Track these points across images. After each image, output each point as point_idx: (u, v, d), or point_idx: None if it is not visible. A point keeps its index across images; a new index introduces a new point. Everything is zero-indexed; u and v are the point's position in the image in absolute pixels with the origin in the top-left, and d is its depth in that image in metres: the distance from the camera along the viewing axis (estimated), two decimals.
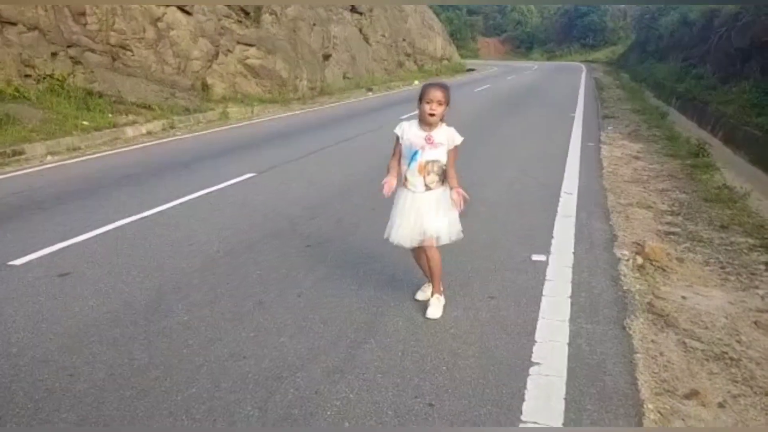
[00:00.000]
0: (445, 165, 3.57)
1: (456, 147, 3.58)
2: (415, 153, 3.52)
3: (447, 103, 3.48)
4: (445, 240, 3.65)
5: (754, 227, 5.81)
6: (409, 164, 3.56)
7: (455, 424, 2.65)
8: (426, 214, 3.57)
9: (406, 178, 3.61)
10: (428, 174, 3.54)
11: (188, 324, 3.56)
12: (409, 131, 3.57)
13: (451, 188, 3.54)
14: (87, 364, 3.10)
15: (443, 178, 3.58)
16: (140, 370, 3.04)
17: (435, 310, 3.69)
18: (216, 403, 2.77)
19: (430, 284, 3.82)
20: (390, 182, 3.55)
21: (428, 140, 3.51)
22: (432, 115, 3.45)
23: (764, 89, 12.30)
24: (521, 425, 2.65)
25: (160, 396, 2.82)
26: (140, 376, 2.98)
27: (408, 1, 35.56)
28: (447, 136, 3.55)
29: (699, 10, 23.06)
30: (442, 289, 3.78)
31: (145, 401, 2.78)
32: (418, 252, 3.79)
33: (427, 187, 3.56)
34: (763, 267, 4.79)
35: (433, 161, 3.53)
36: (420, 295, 3.90)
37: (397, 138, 3.62)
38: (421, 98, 3.49)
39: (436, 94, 3.44)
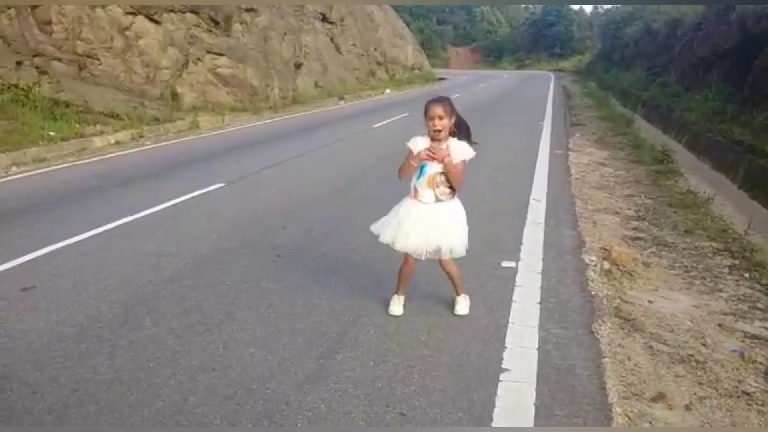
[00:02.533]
0: None
1: (464, 161, 3.58)
2: (424, 166, 3.56)
3: (450, 115, 3.50)
4: (460, 252, 3.69)
5: (718, 231, 5.95)
6: (418, 177, 3.61)
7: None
8: (440, 228, 3.61)
9: (416, 190, 3.64)
10: (437, 186, 3.58)
11: (156, 337, 3.50)
12: (421, 145, 3.58)
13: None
14: (50, 381, 3.02)
15: (453, 190, 3.63)
16: (105, 385, 2.98)
17: (463, 307, 3.84)
18: (184, 417, 2.72)
19: (398, 296, 3.86)
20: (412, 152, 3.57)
21: (429, 152, 3.54)
22: (437, 131, 3.48)
23: (726, 96, 12.63)
24: None
25: (126, 411, 2.76)
26: (105, 392, 2.92)
27: (382, 1, 35.67)
28: (457, 150, 3.54)
29: (663, 20, 23.60)
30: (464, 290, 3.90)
31: (110, 417, 2.72)
32: (412, 262, 3.78)
33: (438, 199, 3.61)
34: (726, 271, 4.91)
35: (442, 173, 3.56)
36: (396, 310, 3.84)
37: (410, 151, 3.61)
38: (426, 115, 3.53)
39: (437, 110, 3.47)
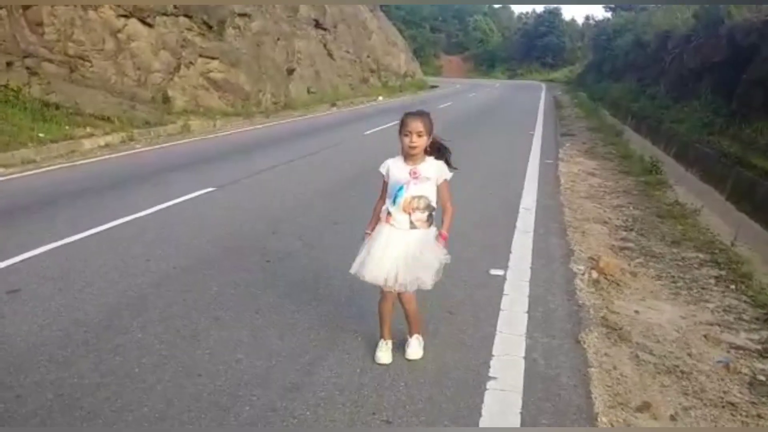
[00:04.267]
0: (432, 202, 3.24)
1: (446, 181, 3.27)
2: (400, 189, 3.20)
3: (429, 133, 3.18)
4: (427, 287, 3.25)
5: (705, 243, 6.00)
6: (394, 201, 3.22)
7: None
8: (413, 259, 3.18)
9: (389, 213, 3.25)
10: (414, 210, 3.19)
11: (142, 342, 3.48)
12: (393, 167, 3.26)
13: (438, 231, 3.26)
14: (35, 385, 3.00)
15: (430, 219, 3.25)
16: (90, 390, 2.95)
17: (416, 350, 3.39)
18: (168, 423, 2.70)
19: (386, 340, 3.40)
20: (367, 235, 3.30)
21: (413, 174, 3.20)
22: (413, 147, 3.16)
23: (714, 109, 12.74)
24: None
25: (111, 417, 2.74)
26: (90, 397, 2.90)
27: (381, 1, 35.78)
28: (435, 170, 3.24)
29: (653, 32, 23.82)
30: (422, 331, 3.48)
31: (95, 422, 2.70)
32: (391, 297, 3.34)
33: (413, 225, 3.21)
34: (713, 281, 4.94)
35: (419, 197, 3.19)
36: (383, 358, 3.34)
37: (383, 176, 3.31)
38: (401, 130, 3.19)
39: (416, 125, 3.14)
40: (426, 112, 3.29)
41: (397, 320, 3.68)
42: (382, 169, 3.32)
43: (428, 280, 3.22)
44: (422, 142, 3.17)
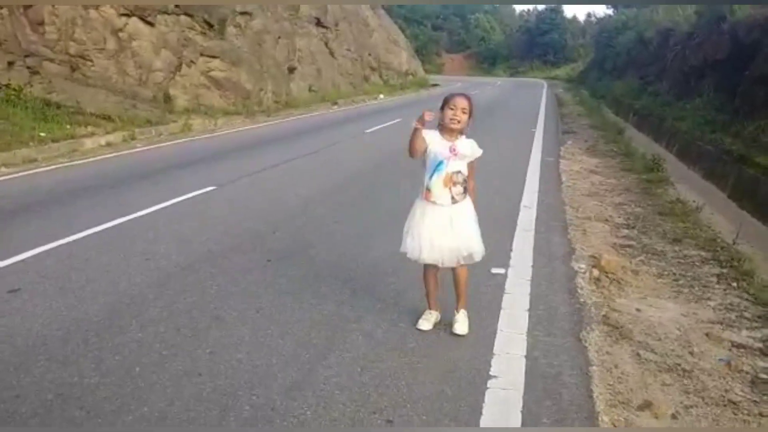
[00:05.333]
0: (466, 177, 3.49)
1: (475, 159, 3.52)
2: (440, 163, 3.41)
3: (471, 114, 3.40)
4: (480, 256, 3.57)
5: (707, 241, 5.98)
6: (432, 175, 3.44)
7: None
8: (465, 230, 3.47)
9: (428, 190, 3.46)
10: (454, 185, 3.43)
11: (142, 341, 3.48)
12: (433, 139, 3.44)
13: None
14: (34, 384, 2.99)
15: (465, 191, 3.50)
16: (90, 390, 2.95)
17: (463, 326, 3.62)
18: (169, 423, 2.70)
19: (432, 311, 3.72)
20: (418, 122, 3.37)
21: (452, 150, 3.41)
22: (455, 120, 3.36)
23: (717, 106, 12.72)
24: None
25: (110, 416, 2.74)
26: (90, 396, 2.89)
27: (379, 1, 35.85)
28: (470, 148, 3.48)
29: (655, 30, 23.76)
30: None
31: (94, 422, 2.70)
32: (434, 272, 3.65)
33: (454, 200, 3.45)
34: (714, 279, 4.93)
35: (458, 172, 3.44)
36: (423, 324, 3.66)
37: (420, 132, 3.39)
38: (444, 105, 3.40)
39: (462, 102, 3.36)
40: (469, 95, 3.52)
41: (394, 319, 3.68)
42: (426, 135, 3.41)
43: (479, 250, 3.53)
44: (465, 118, 3.39)
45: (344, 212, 6.59)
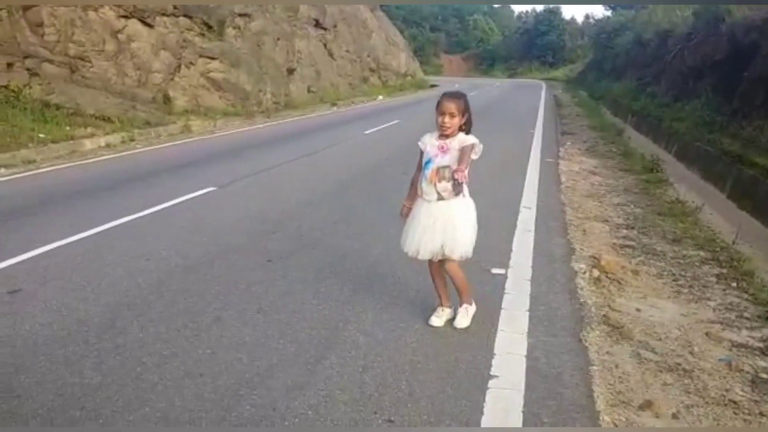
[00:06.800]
0: (453, 172, 3.42)
1: (467, 148, 3.38)
2: (428, 162, 3.48)
3: (463, 113, 3.40)
4: (462, 253, 3.57)
5: (706, 241, 5.99)
6: (423, 173, 3.52)
7: None
8: (449, 230, 3.49)
9: (421, 189, 3.55)
10: (439, 180, 3.43)
11: (143, 341, 3.47)
12: (429, 142, 3.52)
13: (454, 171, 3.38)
14: (36, 385, 2.99)
15: (457, 188, 3.47)
16: (91, 390, 2.95)
17: (462, 320, 3.70)
18: (170, 423, 2.70)
19: (443, 308, 3.77)
20: (407, 206, 3.65)
21: (441, 148, 3.45)
22: (445, 127, 3.40)
23: (715, 107, 12.72)
24: None
25: (111, 417, 2.74)
26: (91, 396, 2.89)
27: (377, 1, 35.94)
28: (458, 141, 3.44)
29: (653, 31, 23.79)
30: (471, 300, 3.78)
31: (96, 422, 2.70)
32: (435, 267, 3.70)
33: (440, 196, 3.47)
34: (714, 279, 4.94)
35: (445, 167, 3.43)
36: (435, 321, 3.72)
37: (421, 152, 3.56)
38: (437, 108, 3.43)
39: (449, 106, 3.37)
40: (462, 93, 3.54)
41: (394, 319, 3.68)
42: (420, 144, 3.57)
43: (458, 245, 3.51)
44: (454, 122, 3.39)
45: (344, 213, 6.59)
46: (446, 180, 3.44)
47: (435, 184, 3.46)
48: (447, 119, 3.38)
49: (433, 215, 3.50)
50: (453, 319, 3.75)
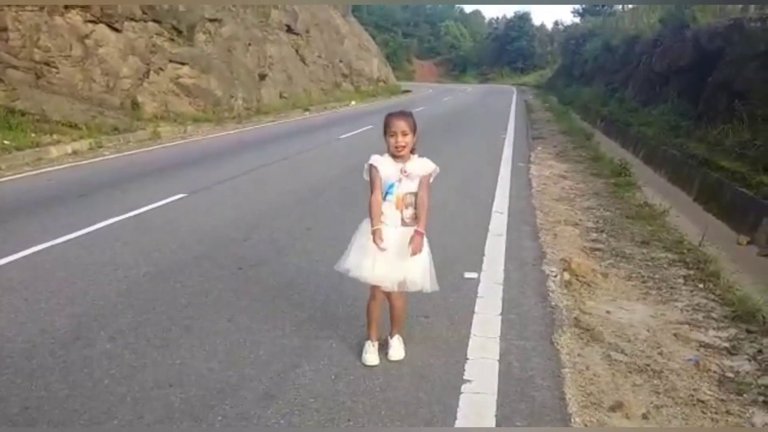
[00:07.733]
0: (417, 198, 3.27)
1: (429, 175, 3.29)
2: (391, 185, 3.24)
3: (413, 131, 3.22)
4: (426, 286, 3.31)
5: (673, 243, 6.10)
6: (384, 197, 3.26)
7: None
8: (410, 261, 3.23)
9: (383, 213, 3.26)
10: (406, 207, 3.25)
11: (111, 352, 3.41)
12: (382, 165, 3.26)
13: (415, 229, 3.23)
14: (0, 399, 2.92)
15: (416, 215, 3.28)
16: (58, 403, 2.88)
17: (398, 351, 3.42)
18: None
19: (372, 342, 3.42)
20: (381, 232, 3.21)
21: (403, 172, 3.23)
22: (400, 147, 3.19)
23: (681, 112, 13.00)
24: None
25: (80, 430, 2.67)
26: (58, 409, 2.82)
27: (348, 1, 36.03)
28: (421, 167, 3.28)
29: (621, 37, 24.24)
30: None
31: None
32: (383, 297, 3.39)
33: (404, 222, 3.26)
34: (681, 281, 5.03)
35: (411, 193, 3.25)
36: (371, 359, 3.35)
37: (371, 169, 3.29)
38: (386, 131, 3.22)
39: (400, 125, 3.17)
40: (408, 111, 3.33)
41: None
42: (373, 162, 3.28)
43: (421, 279, 3.27)
44: (408, 140, 3.21)
45: (317, 218, 6.56)
46: (412, 206, 3.27)
47: (401, 211, 3.26)
48: (400, 138, 3.17)
49: (399, 243, 3.24)
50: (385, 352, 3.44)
